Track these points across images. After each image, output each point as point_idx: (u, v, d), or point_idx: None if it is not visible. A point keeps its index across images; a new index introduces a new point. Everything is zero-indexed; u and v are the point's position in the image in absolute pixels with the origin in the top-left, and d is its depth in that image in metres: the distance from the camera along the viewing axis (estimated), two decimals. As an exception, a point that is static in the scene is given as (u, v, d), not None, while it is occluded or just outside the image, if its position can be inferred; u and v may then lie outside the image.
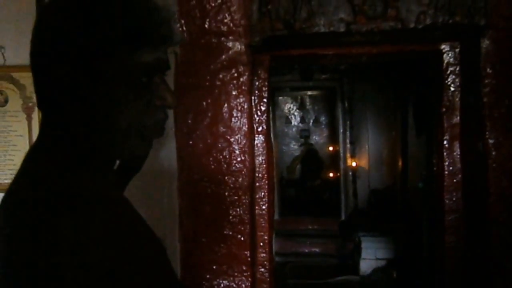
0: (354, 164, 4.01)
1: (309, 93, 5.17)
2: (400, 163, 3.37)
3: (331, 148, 4.94)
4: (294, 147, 5.31)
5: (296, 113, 5.31)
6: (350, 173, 4.01)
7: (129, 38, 0.72)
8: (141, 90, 0.76)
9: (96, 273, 0.63)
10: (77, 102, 0.74)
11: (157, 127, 0.80)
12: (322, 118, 5.25)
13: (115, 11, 0.72)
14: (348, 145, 4.08)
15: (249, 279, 1.66)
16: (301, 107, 5.27)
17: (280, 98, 5.19)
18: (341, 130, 4.15)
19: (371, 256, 3.08)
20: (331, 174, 4.61)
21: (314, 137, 5.27)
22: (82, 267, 0.62)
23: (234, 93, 1.65)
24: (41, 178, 0.72)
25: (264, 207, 1.82)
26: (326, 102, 5.10)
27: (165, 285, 0.80)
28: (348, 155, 4.05)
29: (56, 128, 0.77)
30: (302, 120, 5.27)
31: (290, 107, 5.31)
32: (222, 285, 1.66)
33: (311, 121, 5.27)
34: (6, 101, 1.87)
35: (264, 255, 1.82)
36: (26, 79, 1.85)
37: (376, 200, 3.73)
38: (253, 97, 1.75)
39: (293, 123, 5.33)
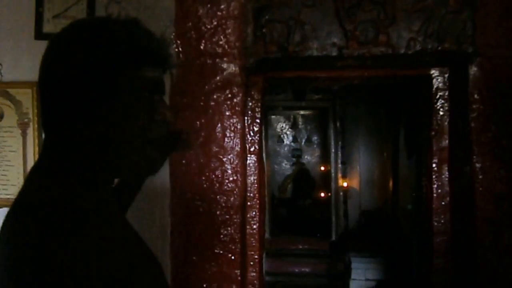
0: (345, 184, 4.02)
1: (302, 112, 5.20)
2: (390, 185, 3.40)
3: (322, 168, 4.95)
4: (286, 166, 5.31)
5: (288, 132, 5.34)
6: (341, 193, 4.02)
7: (133, 57, 0.79)
8: (144, 105, 0.82)
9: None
10: (85, 120, 0.78)
11: (158, 144, 0.85)
12: (314, 138, 5.27)
13: (121, 34, 0.79)
14: (340, 165, 4.09)
15: (239, 298, 1.67)
16: (294, 126, 5.29)
17: (273, 117, 5.22)
18: (333, 150, 4.16)
19: (361, 276, 3.08)
20: (322, 194, 4.61)
21: (306, 156, 5.28)
22: (82, 283, 0.65)
23: (227, 113, 1.67)
24: (45, 195, 0.74)
25: (255, 226, 1.84)
26: (319, 122, 5.13)
27: None
28: (340, 175, 4.07)
29: (60, 147, 0.80)
30: (294, 139, 5.28)
31: (282, 126, 5.33)
32: (212, 304, 1.67)
33: (303, 140, 5.29)
34: (1, 117, 1.88)
35: (254, 274, 1.82)
36: (22, 95, 1.86)
37: (367, 221, 3.74)
38: (246, 118, 1.77)
39: (285, 142, 5.34)
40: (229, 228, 1.67)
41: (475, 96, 1.63)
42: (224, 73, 1.67)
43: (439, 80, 1.82)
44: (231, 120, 1.67)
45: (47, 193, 0.74)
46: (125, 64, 0.78)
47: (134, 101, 0.80)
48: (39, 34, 1.86)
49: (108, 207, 0.83)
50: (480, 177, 1.61)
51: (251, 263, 1.82)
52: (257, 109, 1.85)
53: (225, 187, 1.67)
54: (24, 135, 1.88)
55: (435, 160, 1.81)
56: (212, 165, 1.67)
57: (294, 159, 5.24)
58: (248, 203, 1.81)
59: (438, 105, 1.81)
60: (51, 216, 0.70)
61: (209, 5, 1.68)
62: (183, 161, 1.69)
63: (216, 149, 1.67)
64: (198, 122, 1.68)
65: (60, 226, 0.68)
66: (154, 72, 0.83)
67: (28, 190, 0.79)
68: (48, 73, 0.80)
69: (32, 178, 0.81)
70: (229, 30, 1.67)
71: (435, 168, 1.81)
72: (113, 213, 0.83)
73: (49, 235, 0.67)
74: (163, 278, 0.84)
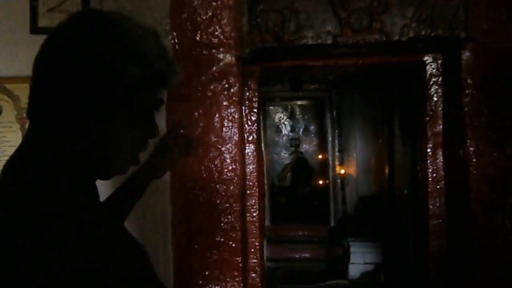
0: (342, 171, 4.05)
1: (299, 103, 5.23)
2: (387, 171, 3.42)
3: (320, 156, 4.99)
4: (284, 156, 5.35)
5: (286, 123, 5.37)
6: (339, 181, 4.06)
7: (153, 79, 0.81)
8: (147, 123, 0.86)
9: (75, 285, 0.63)
10: (86, 123, 0.77)
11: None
12: (312, 127, 5.30)
13: (139, 59, 0.79)
14: (337, 153, 4.12)
15: (241, 284, 1.70)
16: (291, 116, 5.32)
17: (271, 107, 5.24)
18: (330, 139, 4.20)
19: (359, 260, 3.12)
20: (320, 182, 4.65)
21: (304, 145, 5.32)
22: (59, 281, 0.62)
23: (225, 103, 1.69)
24: (25, 188, 0.72)
25: (255, 214, 1.86)
26: (315, 111, 5.15)
27: None
28: (337, 163, 4.11)
29: (51, 140, 0.78)
30: (292, 129, 5.31)
31: (280, 117, 5.36)
32: (214, 290, 1.70)
33: (301, 130, 5.32)
34: (0, 112, 1.90)
35: (255, 260, 1.85)
36: (20, 90, 1.87)
37: (364, 207, 3.78)
38: (243, 107, 1.79)
39: (283, 132, 5.37)
40: (229, 216, 1.69)
41: (468, 81, 1.65)
42: (221, 64, 1.69)
43: (432, 66, 1.83)
44: (229, 110, 1.69)
45: (27, 186, 0.72)
46: (144, 85, 0.80)
47: (144, 119, 0.83)
48: (34, 29, 1.86)
49: (89, 200, 0.82)
50: (474, 160, 1.63)
51: (252, 250, 1.85)
52: (254, 99, 1.87)
53: (225, 176, 1.69)
54: (23, 130, 1.90)
55: (430, 145, 1.83)
56: (211, 154, 1.69)
57: (292, 148, 5.28)
58: (248, 192, 1.84)
59: (432, 91, 1.83)
60: (28, 210, 0.68)
61: (204, -4, 1.69)
62: (182, 152, 1.71)
63: (215, 139, 1.69)
64: (196, 113, 1.70)
65: (36, 219, 0.66)
66: (160, 92, 0.86)
67: (6, 181, 0.76)
68: (57, 69, 0.76)
69: (12, 169, 0.78)
70: (224, 21, 1.68)
71: (430, 153, 1.83)
72: (92, 205, 0.81)
73: (27, 229, 0.65)
74: (148, 267, 0.81)
